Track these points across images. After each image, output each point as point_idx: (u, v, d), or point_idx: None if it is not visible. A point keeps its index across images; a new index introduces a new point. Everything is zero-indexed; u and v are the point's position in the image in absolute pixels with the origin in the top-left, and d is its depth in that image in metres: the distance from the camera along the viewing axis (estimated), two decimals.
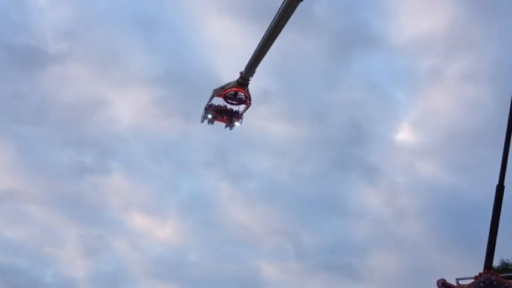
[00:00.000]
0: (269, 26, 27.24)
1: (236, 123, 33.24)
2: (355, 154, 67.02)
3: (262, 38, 27.93)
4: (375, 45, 67.70)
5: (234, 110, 32.72)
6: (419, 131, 68.83)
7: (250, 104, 32.53)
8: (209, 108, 32.69)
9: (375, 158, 66.57)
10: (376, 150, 67.24)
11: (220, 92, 31.82)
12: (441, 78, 66.71)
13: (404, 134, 68.79)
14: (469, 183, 61.80)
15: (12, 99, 63.79)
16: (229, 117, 32.87)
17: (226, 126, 33.69)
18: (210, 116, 32.82)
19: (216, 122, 33.27)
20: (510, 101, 15.35)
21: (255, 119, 68.70)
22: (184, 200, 67.13)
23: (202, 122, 33.89)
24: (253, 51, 28.75)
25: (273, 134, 68.44)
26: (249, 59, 29.63)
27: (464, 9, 64.35)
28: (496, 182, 13.98)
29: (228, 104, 32.38)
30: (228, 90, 31.48)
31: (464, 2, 63.86)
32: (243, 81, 31.02)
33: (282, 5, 26.28)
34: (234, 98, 31.97)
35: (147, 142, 67.90)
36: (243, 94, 31.62)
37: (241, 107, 32.65)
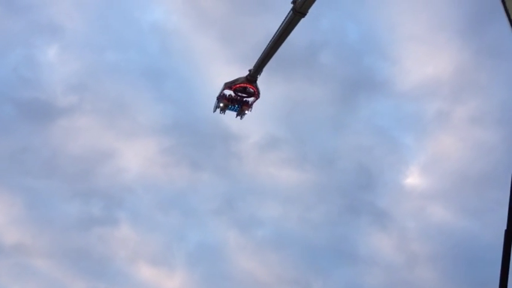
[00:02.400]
0: (273, 36, 30.15)
1: (246, 112, 35.61)
2: (364, 199, 66.37)
3: (268, 45, 30.84)
4: (381, 90, 68.21)
5: (244, 99, 35.03)
6: (428, 175, 68.21)
7: (259, 97, 34.97)
8: (221, 97, 34.90)
9: (384, 203, 65.80)
10: (386, 195, 66.55)
11: (230, 85, 34.25)
12: (449, 122, 66.65)
13: (413, 179, 68.16)
14: (481, 227, 60.62)
15: (22, 152, 64.31)
16: (239, 105, 35.18)
17: (237, 115, 36.16)
18: (221, 105, 35.01)
19: (228, 112, 35.60)
20: None
21: (263, 165, 68.94)
22: (192, 250, 66.20)
23: (214, 111, 36.09)
24: (261, 53, 31.60)
25: (282, 181, 68.17)
26: (257, 59, 32.40)
27: (470, 52, 64.82)
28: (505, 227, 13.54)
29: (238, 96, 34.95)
30: (238, 85, 34.10)
31: (469, 45, 64.34)
32: (252, 78, 33.70)
33: (284, 20, 29.16)
34: (243, 92, 34.55)
35: (155, 192, 67.71)
36: (251, 89, 34.27)
37: (251, 98, 35.08)
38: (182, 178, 67.96)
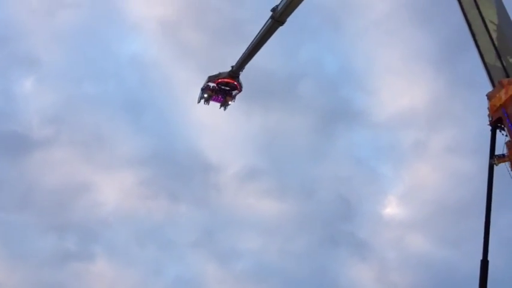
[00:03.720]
0: (252, 41, 32.72)
1: (230, 103, 37.46)
2: (344, 230, 66.06)
3: (247, 48, 33.36)
4: (358, 120, 69.07)
5: (227, 90, 36.94)
6: (407, 205, 68.38)
7: (241, 90, 37.00)
8: (205, 88, 36.73)
9: (364, 234, 65.60)
10: (365, 226, 66.43)
11: (214, 79, 36.30)
12: (426, 152, 67.31)
13: (392, 209, 68.31)
14: (460, 257, 60.62)
15: None
16: (223, 96, 37.01)
17: (220, 107, 37.81)
18: (206, 96, 36.79)
19: (212, 103, 37.33)
20: (487, 174, 15.33)
21: (242, 196, 68.49)
22: (170, 284, 64.80)
23: (198, 102, 37.72)
24: (243, 52, 34.09)
25: (261, 212, 67.64)
26: (238, 58, 34.77)
27: (444, 82, 66.12)
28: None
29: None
30: (221, 80, 36.22)
31: (444, 76, 65.70)
32: (234, 74, 35.84)
33: (263, 27, 31.38)
34: (226, 86, 36.65)
35: (132, 225, 66.38)
36: (234, 84, 36.44)
37: (234, 91, 37.11)
38: (160, 210, 67.12)
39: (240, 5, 70.02)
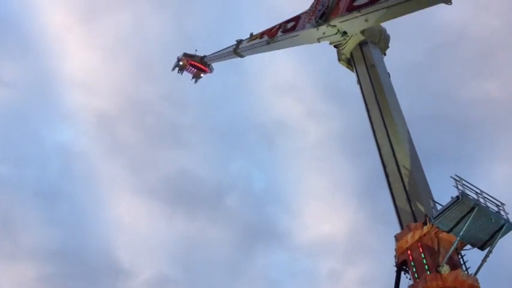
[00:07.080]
0: (215, 53, 40.19)
1: (202, 75, 42.12)
2: None
3: (214, 54, 40.51)
4: (279, 241, 68.84)
5: (199, 68, 41.80)
6: None
7: (212, 72, 42.25)
8: (182, 58, 41.53)
9: None
10: None
11: (188, 58, 41.03)
12: (340, 282, 67.12)
13: None
14: None
15: None
16: (196, 69, 41.65)
17: (192, 78, 42.23)
18: (181, 64, 41.40)
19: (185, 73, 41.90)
20: None
21: None
22: None
23: (173, 70, 42.01)
24: (213, 54, 40.61)
25: None
26: (215, 52, 40.17)
27: (364, 215, 68.03)
28: None
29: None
30: (194, 62, 41.55)
31: (364, 209, 67.65)
32: (206, 62, 41.38)
33: (224, 50, 37.91)
34: (197, 67, 41.72)
35: None
36: (203, 69, 41.69)
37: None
38: None
39: (182, 112, 71.71)
